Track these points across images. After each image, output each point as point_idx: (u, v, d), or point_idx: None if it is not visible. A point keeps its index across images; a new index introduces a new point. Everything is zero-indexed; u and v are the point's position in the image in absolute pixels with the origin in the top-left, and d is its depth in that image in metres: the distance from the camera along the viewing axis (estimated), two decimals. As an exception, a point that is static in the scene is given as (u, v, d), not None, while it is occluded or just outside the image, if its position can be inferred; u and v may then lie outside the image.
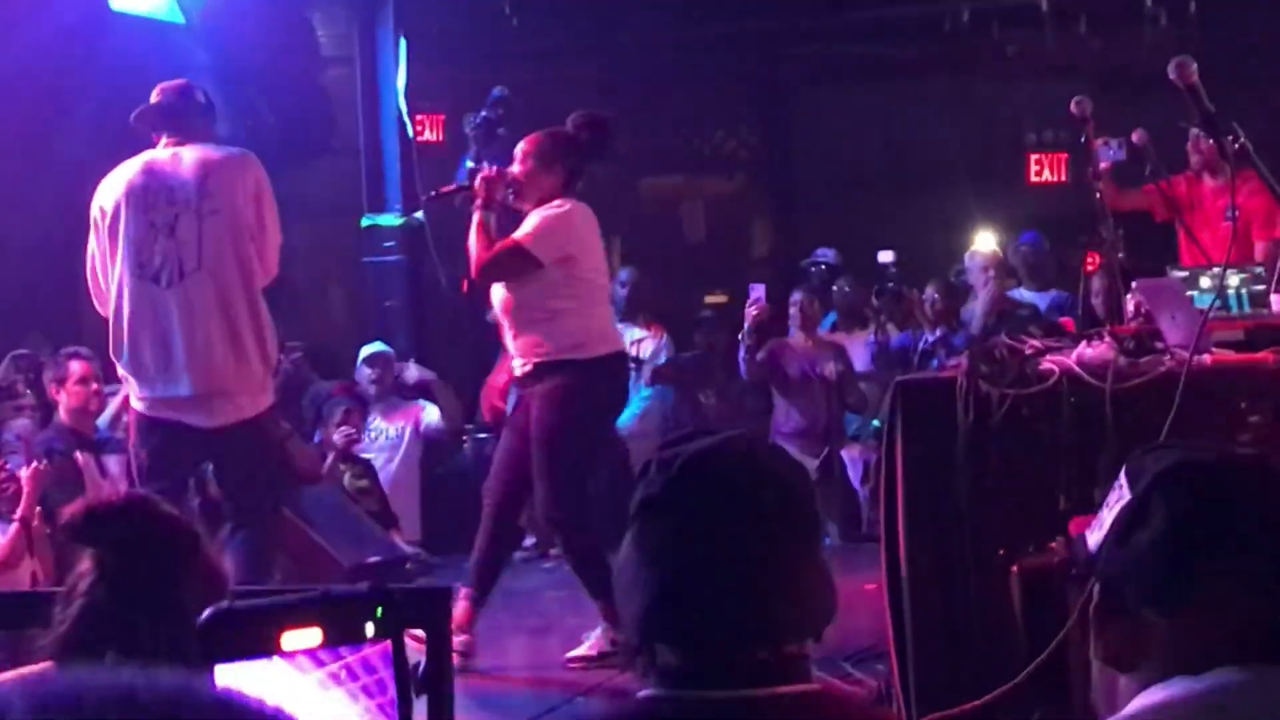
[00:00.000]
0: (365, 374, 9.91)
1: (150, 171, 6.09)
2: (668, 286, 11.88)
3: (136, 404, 6.18)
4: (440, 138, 12.10)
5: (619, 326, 10.37)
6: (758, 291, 9.82)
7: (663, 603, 2.12)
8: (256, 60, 9.85)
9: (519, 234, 6.50)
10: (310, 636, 1.14)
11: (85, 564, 2.54)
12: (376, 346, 9.97)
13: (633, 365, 10.60)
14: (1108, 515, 2.00)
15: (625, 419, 10.45)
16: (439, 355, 11.04)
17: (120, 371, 6.21)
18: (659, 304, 11.11)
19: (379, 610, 1.20)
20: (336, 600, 1.47)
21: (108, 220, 6.08)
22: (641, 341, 10.73)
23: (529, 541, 9.65)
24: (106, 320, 6.21)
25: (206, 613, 1.14)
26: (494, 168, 6.89)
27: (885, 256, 10.93)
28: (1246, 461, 2.09)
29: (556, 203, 6.54)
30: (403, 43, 10.37)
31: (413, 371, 9.99)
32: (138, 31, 8.86)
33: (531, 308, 6.56)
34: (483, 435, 10.24)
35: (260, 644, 1.11)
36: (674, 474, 2.18)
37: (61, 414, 7.57)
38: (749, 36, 13.10)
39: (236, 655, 1.09)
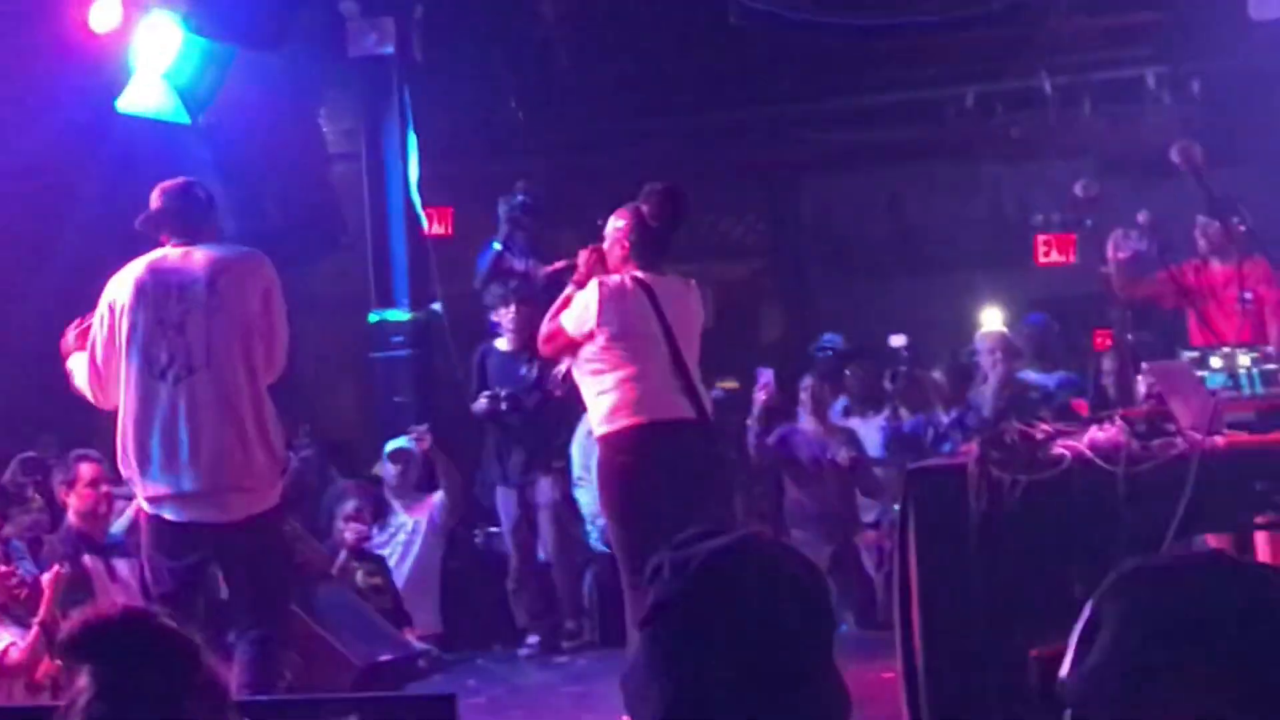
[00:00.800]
0: (390, 470, 9.86)
1: (160, 270, 6.13)
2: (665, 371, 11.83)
3: (144, 504, 6.15)
4: (449, 231, 12.14)
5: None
6: (766, 376, 9.80)
7: (680, 711, 2.08)
8: (263, 157, 9.91)
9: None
10: None
11: (83, 680, 2.50)
12: (401, 442, 9.93)
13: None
14: (1073, 639, 1.93)
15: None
16: (451, 450, 11.00)
17: (125, 473, 6.18)
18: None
19: None
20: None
21: (117, 316, 6.10)
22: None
23: (533, 640, 9.58)
24: (113, 415, 6.20)
25: None
26: (594, 246, 7.09)
27: (897, 340, 10.91)
28: (1193, 562, 2.03)
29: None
30: (413, 136, 10.40)
31: (426, 439, 9.89)
32: (143, 131, 8.90)
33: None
34: (494, 530, 10.20)
35: None
36: (690, 577, 2.15)
37: (71, 517, 7.53)
38: (755, 123, 13.16)
39: None
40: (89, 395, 6.24)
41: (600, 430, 6.75)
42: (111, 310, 6.12)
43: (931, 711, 5.38)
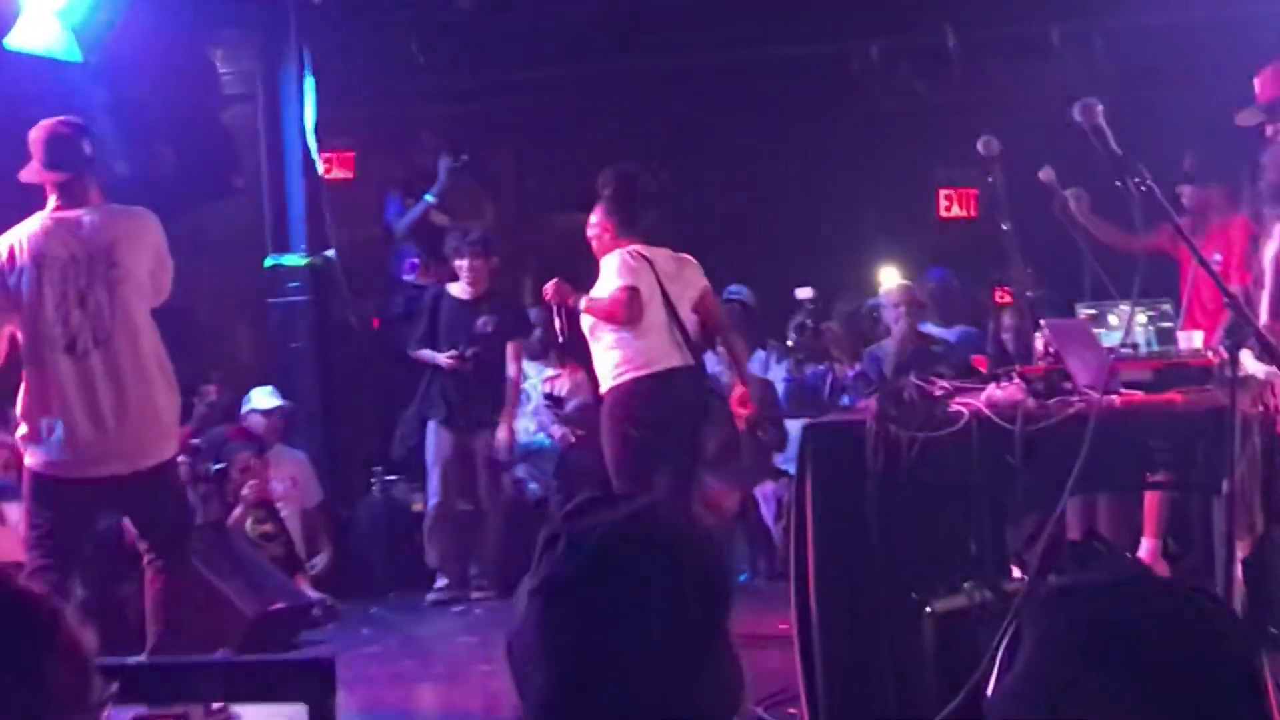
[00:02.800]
0: (259, 422, 9.76)
1: (58, 240, 6.21)
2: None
3: (41, 466, 6.23)
4: (350, 174, 12.00)
5: (529, 364, 10.39)
6: None
7: (566, 689, 2.04)
8: (157, 98, 9.68)
9: None
10: None
11: None
12: (266, 394, 9.84)
13: (548, 403, 10.58)
14: (998, 656, 1.95)
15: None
16: (345, 395, 10.90)
17: (22, 436, 6.27)
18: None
19: None
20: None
21: (10, 281, 6.18)
22: (556, 379, 10.71)
23: (441, 582, 9.56)
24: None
25: None
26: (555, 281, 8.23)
27: (803, 293, 10.93)
28: (1118, 579, 2.03)
29: None
30: (310, 80, 10.24)
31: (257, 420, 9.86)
32: (33, 69, 8.67)
33: None
34: (391, 477, 10.13)
35: None
36: (585, 551, 2.09)
37: None
38: (659, 71, 13.07)
39: None
40: None
41: (614, 380, 7.75)
42: (3, 273, 6.18)
43: (826, 666, 5.38)
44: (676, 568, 2.09)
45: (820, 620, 5.41)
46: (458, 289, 9.73)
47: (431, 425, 9.67)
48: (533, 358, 10.65)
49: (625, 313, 7.77)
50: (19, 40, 8.55)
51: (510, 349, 9.64)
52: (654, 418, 7.69)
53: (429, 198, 10.71)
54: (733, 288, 11.54)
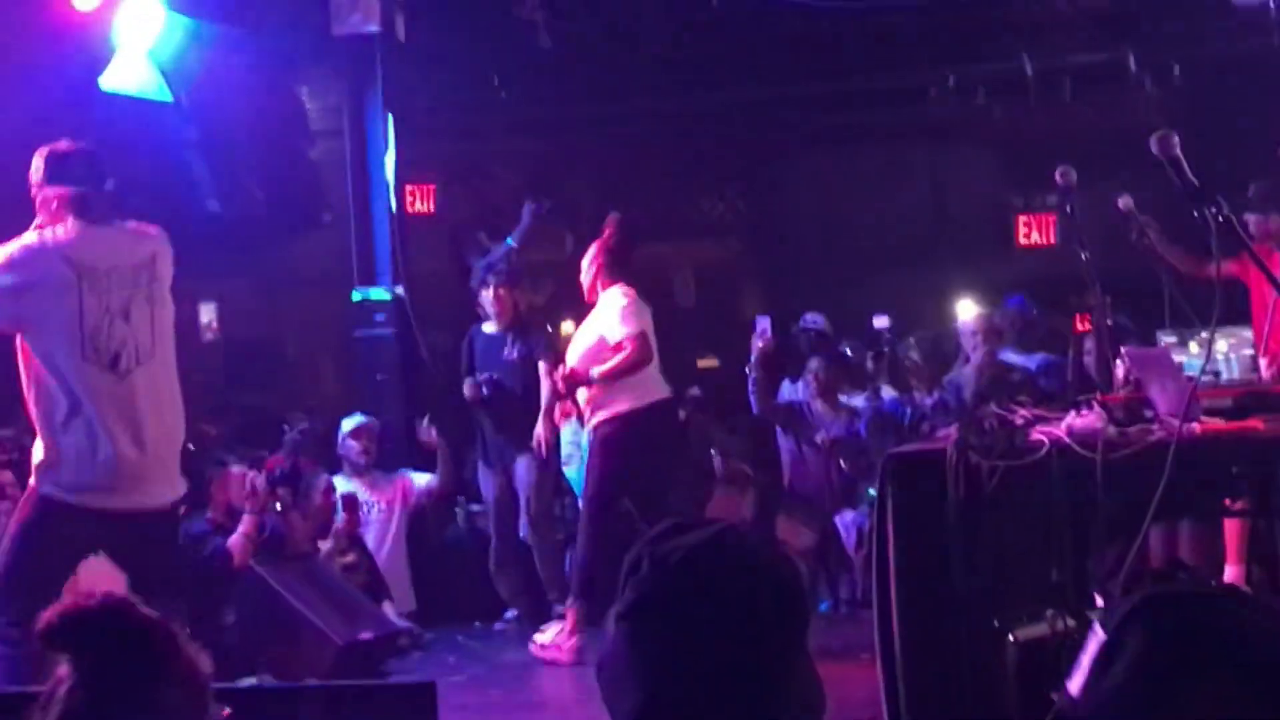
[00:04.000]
0: (352, 446, 9.88)
1: (94, 252, 5.82)
2: (659, 351, 11.89)
3: (57, 490, 5.79)
4: (431, 208, 12.17)
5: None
6: (764, 323, 9.93)
7: (656, 707, 2.10)
8: (246, 135, 9.88)
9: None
10: None
11: (62, 669, 2.51)
12: (360, 419, 9.96)
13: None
14: (1085, 659, 2.01)
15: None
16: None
17: (43, 457, 5.81)
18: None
19: None
20: None
21: (43, 294, 5.74)
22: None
23: (511, 613, 9.65)
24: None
25: None
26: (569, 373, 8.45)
27: (880, 321, 10.98)
28: (1216, 592, 2.10)
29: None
30: (390, 118, 10.41)
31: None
32: (126, 109, 8.87)
33: None
34: (476, 507, 10.23)
35: None
36: (668, 572, 2.17)
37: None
38: (738, 104, 13.17)
39: None
40: None
41: (613, 410, 8.26)
42: (32, 287, 5.73)
43: (909, 695, 5.41)
44: (756, 587, 2.16)
45: (903, 649, 5.43)
46: (488, 325, 9.78)
47: (480, 467, 9.79)
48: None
49: (644, 359, 8.33)
50: (112, 81, 8.76)
51: (543, 368, 9.55)
52: (648, 446, 8.35)
53: (510, 241, 10.76)
54: (809, 316, 11.59)
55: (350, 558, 9.24)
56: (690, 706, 2.10)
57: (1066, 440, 5.25)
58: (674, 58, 12.12)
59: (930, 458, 5.45)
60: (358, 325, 10.59)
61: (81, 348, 5.71)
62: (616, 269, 8.58)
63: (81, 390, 5.72)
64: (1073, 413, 5.54)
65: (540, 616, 9.51)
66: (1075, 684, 2.03)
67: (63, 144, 5.97)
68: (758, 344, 9.96)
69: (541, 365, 9.51)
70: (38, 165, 5.92)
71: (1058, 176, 6.23)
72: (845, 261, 13.73)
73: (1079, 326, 9.97)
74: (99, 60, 8.62)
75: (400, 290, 10.47)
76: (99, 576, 6.17)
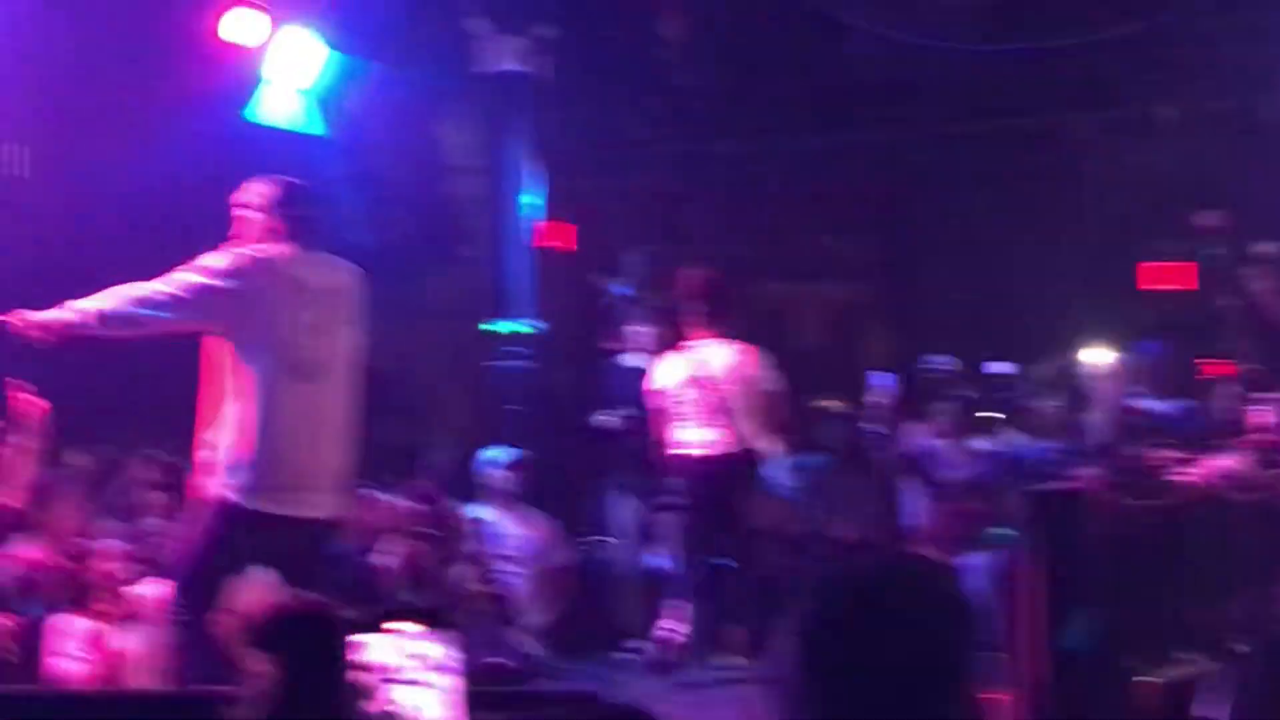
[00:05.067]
0: (499, 476, 9.98)
1: (314, 271, 6.21)
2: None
3: (236, 493, 6.02)
4: (571, 245, 12.31)
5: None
6: (882, 379, 9.93)
7: None
8: (390, 169, 10.10)
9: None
10: None
11: (264, 666, 2.60)
12: (508, 451, 10.07)
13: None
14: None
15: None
16: (559, 459, 11.15)
17: (222, 458, 6.05)
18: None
19: None
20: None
21: (252, 295, 6.04)
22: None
23: (635, 645, 9.69)
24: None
25: None
26: None
27: (1002, 368, 10.98)
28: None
29: None
30: (533, 153, 10.58)
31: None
32: (275, 141, 9.11)
33: None
34: (599, 539, 10.33)
35: None
36: (849, 593, 2.24)
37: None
38: (869, 145, 13.23)
39: None
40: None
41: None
42: (245, 288, 6.01)
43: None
44: (934, 609, 2.21)
45: (1038, 688, 5.45)
46: (631, 358, 9.88)
47: (612, 494, 9.86)
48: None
49: None
50: (262, 113, 9.01)
51: None
52: None
53: (625, 290, 10.89)
54: (934, 358, 11.59)
55: (484, 585, 9.35)
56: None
57: (1210, 482, 5.27)
58: (808, 97, 12.21)
59: (1072, 497, 5.48)
60: (490, 357, 10.74)
61: (283, 358, 6.02)
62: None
63: (275, 398, 6.01)
64: (1215, 456, 5.55)
65: (664, 645, 9.60)
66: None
67: (283, 177, 6.34)
68: (881, 401, 9.91)
69: None
70: (261, 190, 6.25)
71: (1198, 220, 6.25)
72: (973, 303, 13.71)
73: (1214, 372, 9.89)
74: (248, 92, 8.86)
75: (537, 324, 10.61)
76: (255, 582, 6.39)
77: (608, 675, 9.23)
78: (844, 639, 2.20)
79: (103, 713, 4.29)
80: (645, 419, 9.61)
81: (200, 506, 6.16)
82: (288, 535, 6.09)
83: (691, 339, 8.63)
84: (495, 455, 10.06)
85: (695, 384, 8.52)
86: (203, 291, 5.96)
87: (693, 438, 8.54)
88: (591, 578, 10.40)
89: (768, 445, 8.65)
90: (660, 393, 8.65)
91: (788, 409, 9.00)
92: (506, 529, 9.93)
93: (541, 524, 10.18)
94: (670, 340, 9.87)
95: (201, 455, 6.17)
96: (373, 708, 1.66)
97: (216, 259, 6.06)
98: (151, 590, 6.82)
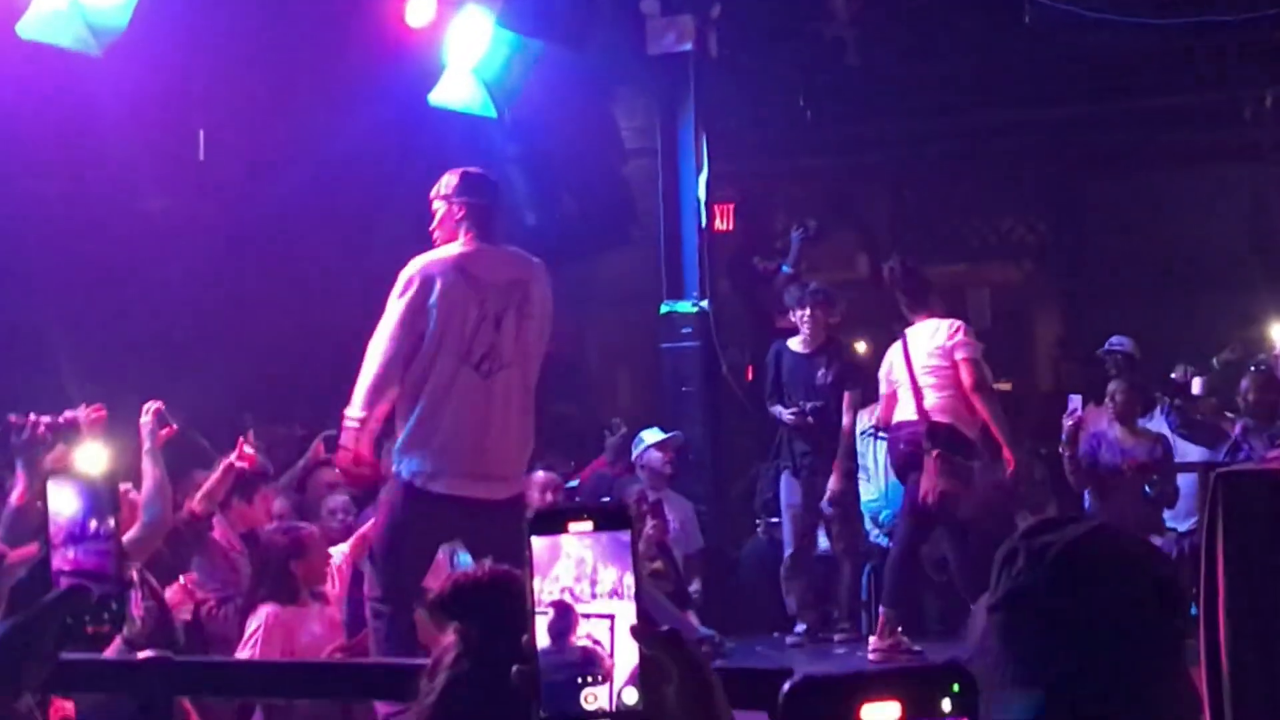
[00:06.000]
0: (656, 458, 10.04)
1: (482, 265, 6.48)
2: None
3: (419, 478, 6.34)
4: (730, 226, 12.31)
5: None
6: (1075, 402, 9.73)
7: (1051, 706, 2.12)
8: (562, 152, 10.17)
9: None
10: (890, 710, 1.18)
11: (450, 637, 2.63)
12: (660, 433, 10.12)
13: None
14: None
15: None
16: (732, 440, 11.17)
17: (402, 446, 6.38)
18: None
19: (956, 685, 1.23)
20: (914, 674, 1.57)
21: (434, 299, 6.37)
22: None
23: (800, 628, 9.70)
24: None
25: (788, 685, 1.19)
26: None
27: (1119, 343, 10.85)
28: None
29: None
30: (703, 136, 10.58)
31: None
32: (452, 124, 9.23)
33: None
34: (775, 520, 10.33)
35: (840, 715, 1.16)
36: (1047, 565, 2.20)
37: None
38: (1041, 123, 13.03)
39: None
40: (384, 398, 6.40)
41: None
42: (427, 292, 6.35)
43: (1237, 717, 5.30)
44: (1137, 582, 2.18)
45: (1230, 671, 5.34)
46: (796, 342, 9.83)
47: (784, 476, 9.83)
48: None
49: None
50: (441, 97, 9.11)
51: (845, 399, 9.64)
52: None
53: (785, 269, 10.95)
54: (1115, 339, 11.39)
55: (658, 565, 9.40)
56: (1067, 701, 2.11)
57: None
58: (980, 76, 12.07)
59: (1267, 478, 5.35)
60: (664, 338, 10.77)
61: (459, 348, 6.35)
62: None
63: (450, 385, 6.34)
64: None
65: (828, 630, 9.61)
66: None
67: (471, 168, 6.66)
68: (1068, 423, 9.72)
69: (846, 396, 9.62)
70: (449, 181, 6.55)
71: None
72: (1146, 287, 13.46)
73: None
74: (429, 76, 8.97)
75: (706, 304, 10.63)
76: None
77: (777, 655, 9.25)
78: (1041, 612, 2.17)
79: (298, 683, 4.38)
80: (818, 407, 9.60)
81: (388, 494, 6.51)
82: (468, 517, 6.37)
83: (910, 321, 9.07)
84: (652, 436, 10.12)
85: (908, 364, 8.88)
86: (396, 318, 6.34)
87: (907, 415, 8.85)
88: (759, 562, 10.42)
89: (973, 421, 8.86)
90: (885, 374, 9.08)
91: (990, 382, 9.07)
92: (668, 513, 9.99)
93: (688, 507, 10.24)
94: (834, 324, 9.87)
95: (388, 444, 6.53)
96: (569, 644, 1.64)
97: (399, 282, 6.39)
98: (338, 572, 7.02)
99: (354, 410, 6.36)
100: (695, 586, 10.16)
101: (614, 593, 1.65)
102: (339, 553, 7.14)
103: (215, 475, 6.75)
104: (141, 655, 3.65)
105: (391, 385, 6.36)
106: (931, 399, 8.80)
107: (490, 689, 2.52)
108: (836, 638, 9.63)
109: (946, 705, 1.21)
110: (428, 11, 8.79)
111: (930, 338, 8.97)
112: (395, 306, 6.36)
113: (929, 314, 9.08)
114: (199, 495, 6.73)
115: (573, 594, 1.66)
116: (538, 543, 1.67)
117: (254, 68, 8.53)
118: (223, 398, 7.78)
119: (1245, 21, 11.26)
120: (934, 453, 8.70)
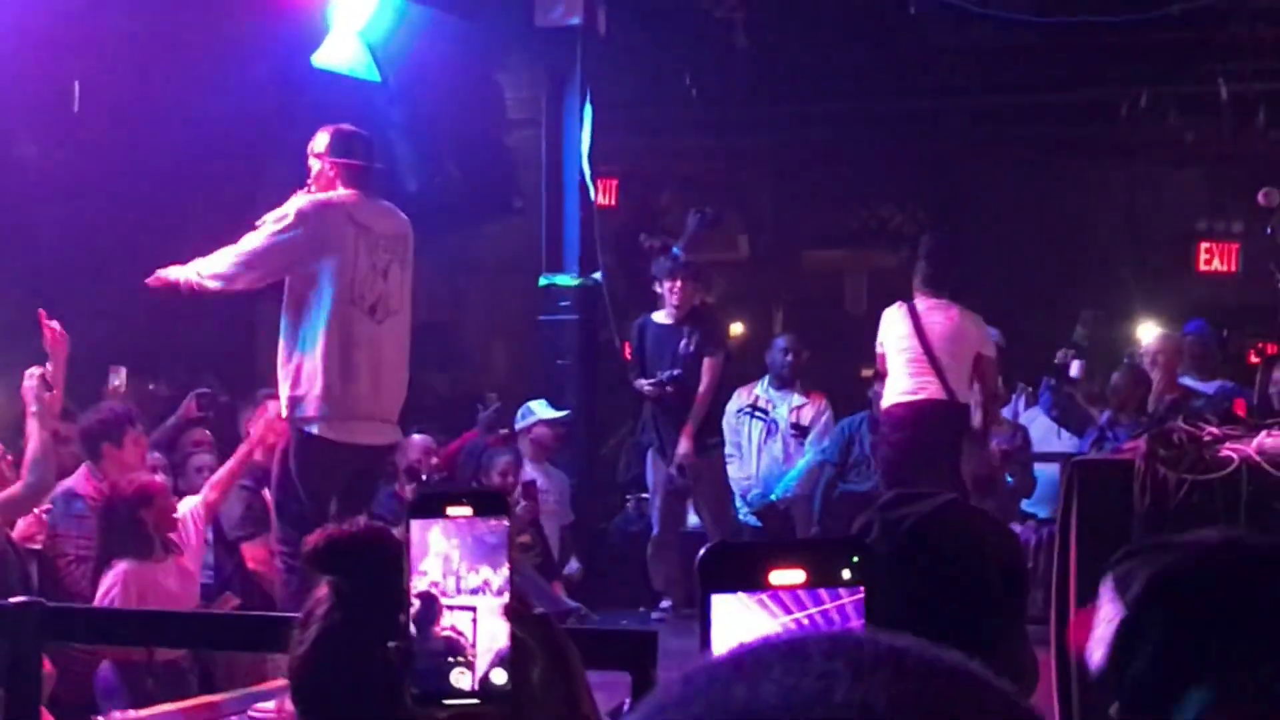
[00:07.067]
0: (544, 434, 10.03)
1: (375, 217, 6.74)
2: (828, 357, 11.99)
3: (315, 426, 6.58)
4: (613, 201, 12.35)
5: (776, 393, 10.58)
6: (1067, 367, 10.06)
7: None
8: (447, 120, 10.14)
9: None
10: (795, 575, 1.26)
11: (322, 590, 2.66)
12: (542, 406, 10.11)
13: (794, 432, 10.72)
14: (1104, 630, 1.98)
15: (787, 484, 10.62)
16: (606, 413, 11.21)
17: (294, 391, 6.55)
18: (818, 374, 11.26)
19: (855, 556, 1.32)
20: (818, 544, 1.65)
21: (323, 240, 6.56)
22: (802, 408, 10.79)
23: (665, 604, 9.74)
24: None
25: (705, 548, 1.26)
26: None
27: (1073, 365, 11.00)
28: (1230, 554, 1.97)
29: None
30: (588, 108, 10.57)
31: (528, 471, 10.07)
32: (336, 86, 9.18)
33: None
34: (645, 495, 10.37)
35: (750, 580, 1.25)
36: (899, 538, 2.27)
37: (257, 453, 7.78)
38: (921, 113, 13.20)
39: (729, 588, 1.23)
40: (222, 285, 6.59)
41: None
42: (316, 234, 6.55)
43: (1084, 710, 5.43)
44: (985, 556, 2.27)
45: (1079, 662, 5.47)
46: (660, 315, 9.77)
47: (650, 454, 9.83)
48: (779, 387, 10.78)
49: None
50: (324, 58, 9.05)
51: (706, 364, 9.60)
52: None
53: (677, 250, 10.96)
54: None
55: (526, 538, 9.41)
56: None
57: (1256, 458, 5.27)
58: (865, 63, 12.19)
59: (1117, 467, 5.50)
60: (542, 310, 10.77)
61: (351, 299, 6.57)
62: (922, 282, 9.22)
63: (343, 332, 6.55)
64: (1263, 433, 5.55)
65: (691, 607, 9.64)
66: (1097, 656, 2.00)
67: (346, 125, 6.86)
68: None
69: (706, 360, 9.56)
70: (323, 139, 6.76)
71: (1260, 198, 6.25)
72: (1019, 277, 13.69)
73: (1267, 352, 9.86)
74: (313, 38, 8.91)
75: (597, 277, 10.63)
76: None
77: (642, 630, 9.32)
78: (893, 585, 2.24)
79: (176, 633, 4.39)
80: (676, 376, 9.60)
81: (281, 439, 6.77)
82: (353, 460, 6.65)
83: (920, 298, 9.04)
84: (535, 409, 10.12)
85: (915, 340, 8.83)
86: (280, 242, 6.52)
87: (906, 389, 8.82)
88: (628, 537, 10.49)
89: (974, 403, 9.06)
90: (882, 345, 9.03)
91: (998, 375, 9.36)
92: (544, 486, 9.98)
93: (565, 480, 10.25)
94: (708, 303, 9.91)
95: (279, 392, 6.70)
96: (433, 633, 1.70)
97: (283, 211, 6.58)
98: (191, 525, 7.00)
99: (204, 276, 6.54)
100: (573, 562, 10.18)
101: (481, 588, 1.72)
102: (190, 504, 7.09)
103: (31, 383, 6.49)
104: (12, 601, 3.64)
105: (225, 285, 6.56)
106: (954, 381, 8.85)
107: (361, 643, 2.55)
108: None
109: (846, 574, 1.30)
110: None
111: (959, 328, 8.99)
112: (278, 237, 6.51)
113: (940, 296, 9.06)
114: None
115: (439, 588, 1.73)
116: (415, 525, 1.73)
117: (137, 21, 8.43)
118: (91, 352, 7.68)
119: (1125, 22, 11.47)
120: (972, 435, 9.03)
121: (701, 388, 9.51)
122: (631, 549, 10.30)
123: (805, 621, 1.27)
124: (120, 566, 6.49)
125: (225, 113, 8.60)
